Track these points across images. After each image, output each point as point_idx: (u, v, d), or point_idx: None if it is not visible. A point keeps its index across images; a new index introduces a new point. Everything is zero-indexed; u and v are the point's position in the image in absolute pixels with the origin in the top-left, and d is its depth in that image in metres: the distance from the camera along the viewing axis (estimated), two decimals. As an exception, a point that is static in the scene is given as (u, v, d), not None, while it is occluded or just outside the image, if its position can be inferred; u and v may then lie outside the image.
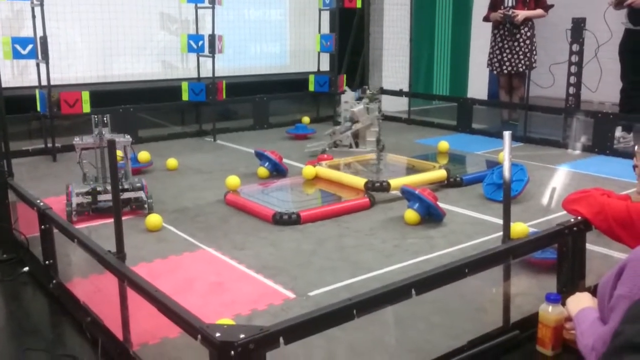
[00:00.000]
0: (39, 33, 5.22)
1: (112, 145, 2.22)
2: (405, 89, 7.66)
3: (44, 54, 5.23)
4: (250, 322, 2.52)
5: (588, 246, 2.59)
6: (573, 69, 6.29)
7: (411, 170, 4.94)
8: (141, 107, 6.41)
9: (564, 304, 2.20)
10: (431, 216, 3.84)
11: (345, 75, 7.62)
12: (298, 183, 4.72)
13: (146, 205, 3.96)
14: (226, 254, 3.34)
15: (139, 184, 3.98)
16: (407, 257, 3.29)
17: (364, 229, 3.73)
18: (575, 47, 6.23)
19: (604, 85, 6.62)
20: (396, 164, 5.24)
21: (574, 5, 7.72)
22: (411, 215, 3.79)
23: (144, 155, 5.16)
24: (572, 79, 6.33)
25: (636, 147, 2.02)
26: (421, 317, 2.54)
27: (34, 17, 5.22)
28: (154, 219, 3.71)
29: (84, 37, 6.63)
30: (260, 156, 4.98)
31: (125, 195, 3.88)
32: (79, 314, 2.55)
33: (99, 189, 3.86)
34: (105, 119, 3.97)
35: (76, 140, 3.95)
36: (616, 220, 2.39)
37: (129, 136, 4.08)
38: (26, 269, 3.09)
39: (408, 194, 3.91)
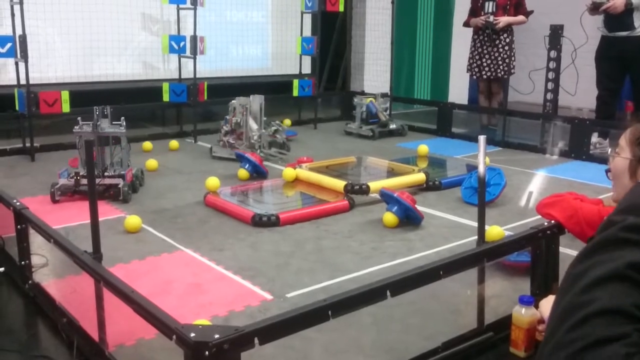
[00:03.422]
0: (18, 32, 5.17)
1: (89, 145, 2.22)
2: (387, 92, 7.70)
3: (23, 52, 5.19)
4: (227, 323, 2.52)
5: (562, 250, 2.63)
6: (550, 75, 6.38)
7: (391, 173, 4.97)
8: (122, 107, 6.36)
9: (537, 307, 2.23)
10: (409, 219, 3.87)
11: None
12: (278, 185, 4.73)
13: (121, 194, 4.20)
14: (205, 255, 3.34)
15: (122, 173, 4.33)
16: (385, 259, 3.32)
17: (343, 231, 3.75)
18: (552, 54, 6.33)
19: (582, 91, 6.72)
20: (376, 167, 5.27)
21: (552, 12, 7.82)
22: (389, 218, 3.82)
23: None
24: (550, 85, 6.43)
25: (609, 150, 2.05)
26: (397, 319, 2.57)
27: (13, 15, 5.17)
28: (133, 221, 3.69)
29: (64, 37, 6.58)
30: (241, 158, 4.98)
31: (106, 181, 4.27)
32: (54, 314, 2.53)
33: (81, 173, 4.18)
34: (105, 110, 4.34)
35: (76, 128, 4.33)
36: (588, 224, 2.43)
37: (124, 127, 4.42)
38: (1, 269, 3.06)
39: (387, 197, 3.94)
